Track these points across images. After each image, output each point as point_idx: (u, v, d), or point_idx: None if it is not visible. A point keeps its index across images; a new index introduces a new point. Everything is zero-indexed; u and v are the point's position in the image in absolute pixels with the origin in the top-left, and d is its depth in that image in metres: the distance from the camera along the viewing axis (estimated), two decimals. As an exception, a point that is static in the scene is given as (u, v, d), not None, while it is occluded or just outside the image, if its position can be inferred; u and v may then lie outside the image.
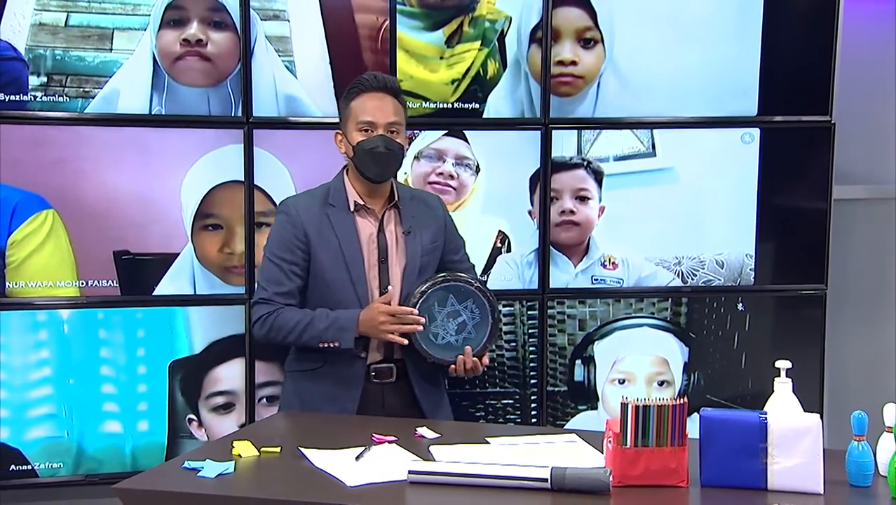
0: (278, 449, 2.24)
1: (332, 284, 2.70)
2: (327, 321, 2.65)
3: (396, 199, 2.77)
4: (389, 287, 2.70)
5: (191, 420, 3.23)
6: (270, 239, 2.77)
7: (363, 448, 2.22)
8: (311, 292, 2.74)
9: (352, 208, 2.74)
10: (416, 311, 2.64)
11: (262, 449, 2.24)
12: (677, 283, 3.42)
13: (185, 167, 3.19)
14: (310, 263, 2.72)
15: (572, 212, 3.35)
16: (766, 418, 1.98)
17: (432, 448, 2.24)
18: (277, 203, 2.89)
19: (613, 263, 3.40)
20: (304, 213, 2.73)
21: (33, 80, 3.08)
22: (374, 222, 2.75)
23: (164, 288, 3.20)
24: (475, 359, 2.69)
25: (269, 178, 3.22)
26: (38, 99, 3.09)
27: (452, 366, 2.70)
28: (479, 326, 2.72)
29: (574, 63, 3.34)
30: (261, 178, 3.22)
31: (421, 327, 2.64)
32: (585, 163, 3.35)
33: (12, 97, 3.07)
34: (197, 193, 3.20)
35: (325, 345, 2.65)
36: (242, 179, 3.21)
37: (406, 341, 2.64)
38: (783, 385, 2.14)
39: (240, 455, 2.20)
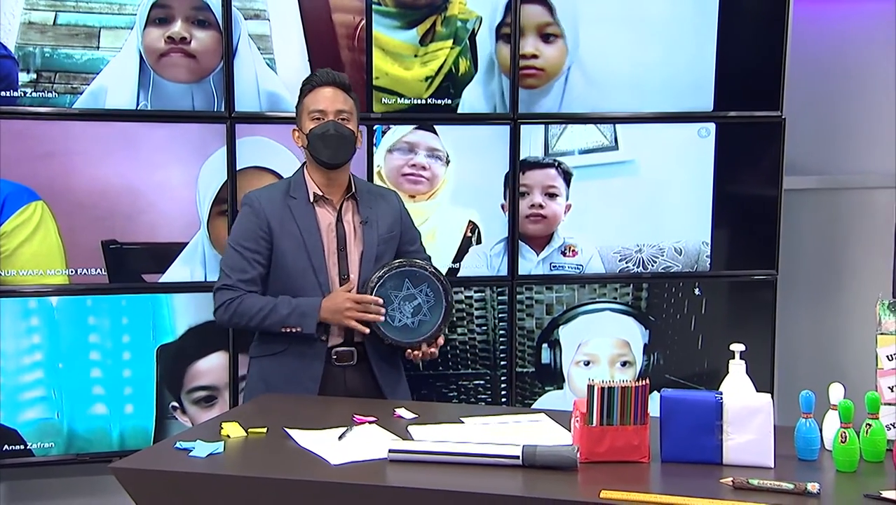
0: (265, 430, 2.27)
1: (293, 271, 2.74)
2: (290, 307, 2.68)
3: (354, 190, 2.81)
4: (351, 276, 2.74)
5: (174, 407, 3.25)
6: (235, 229, 2.81)
7: (345, 428, 2.25)
8: (274, 280, 2.77)
9: (311, 199, 2.77)
10: (380, 300, 2.68)
11: (250, 430, 2.26)
12: (638, 269, 3.48)
13: (201, 157, 3.21)
14: (272, 252, 2.75)
15: (541, 206, 3.40)
16: (721, 398, 2.03)
17: (410, 428, 2.28)
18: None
19: (573, 251, 3.45)
20: (267, 205, 2.76)
21: (23, 77, 3.07)
22: (333, 212, 2.79)
23: (175, 272, 3.21)
24: (431, 350, 2.76)
25: (288, 168, 3.22)
26: (27, 95, 3.08)
27: (409, 351, 2.76)
28: (433, 309, 2.77)
29: (535, 56, 3.37)
30: (280, 166, 3.23)
31: (382, 318, 2.68)
32: (556, 163, 3.40)
33: (3, 93, 3.06)
34: (216, 180, 3.22)
35: (288, 330, 2.68)
36: (262, 166, 3.23)
37: (367, 330, 2.68)
38: (737, 366, 2.18)
39: (228, 436, 2.22)
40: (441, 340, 2.82)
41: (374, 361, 2.78)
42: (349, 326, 2.68)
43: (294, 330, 2.68)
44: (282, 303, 2.69)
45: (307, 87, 2.81)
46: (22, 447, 3.14)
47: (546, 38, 3.37)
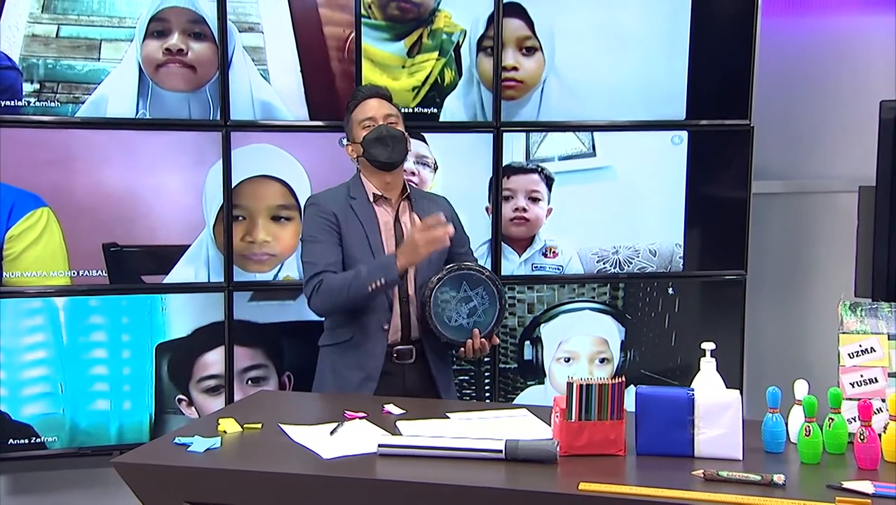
0: (260, 425, 2.27)
1: (359, 263, 2.71)
2: (369, 267, 2.65)
3: (408, 191, 2.83)
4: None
5: (180, 400, 3.25)
6: (307, 226, 2.77)
7: (337, 424, 2.26)
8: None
9: (371, 199, 2.78)
10: (441, 218, 2.63)
11: (245, 425, 2.26)
12: (615, 270, 3.50)
13: (205, 162, 3.22)
14: (342, 243, 2.74)
15: (525, 210, 3.42)
16: (693, 394, 2.04)
17: (399, 423, 2.28)
18: (298, 199, 3.09)
19: (554, 253, 3.47)
20: (332, 202, 2.77)
21: (27, 87, 3.07)
22: (391, 212, 2.79)
23: (179, 272, 3.22)
24: (483, 340, 2.75)
25: (295, 177, 3.26)
26: (31, 104, 3.08)
27: (462, 349, 2.76)
28: (487, 311, 2.77)
29: (515, 69, 3.39)
30: (284, 174, 3.25)
31: (451, 230, 2.62)
32: (539, 169, 3.41)
33: (8, 103, 3.06)
34: (221, 186, 3.22)
35: (374, 286, 2.61)
36: (268, 174, 3.24)
37: (448, 243, 2.62)
38: (708, 364, 2.20)
39: (225, 431, 2.22)
40: (496, 340, 2.82)
41: (432, 360, 2.79)
42: (428, 253, 2.61)
43: (379, 283, 2.61)
44: (360, 268, 2.66)
45: (353, 102, 2.83)
46: (36, 440, 3.14)
47: (525, 51, 3.39)
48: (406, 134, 2.81)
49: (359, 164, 2.83)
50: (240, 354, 3.29)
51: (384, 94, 2.85)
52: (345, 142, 2.89)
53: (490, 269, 2.86)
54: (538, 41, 3.39)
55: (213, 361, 3.28)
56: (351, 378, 2.73)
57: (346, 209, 2.76)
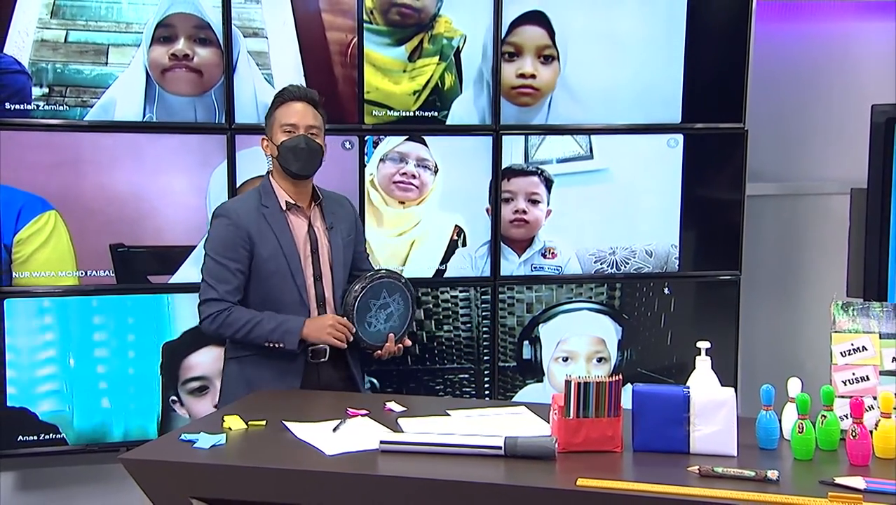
0: (264, 422, 2.28)
1: (273, 275, 2.72)
2: (274, 323, 2.67)
3: (321, 197, 2.83)
4: (327, 295, 2.78)
5: (174, 400, 3.25)
6: (214, 241, 2.74)
7: (339, 421, 2.26)
8: (253, 284, 2.74)
9: (284, 207, 2.77)
10: (353, 327, 2.73)
11: (250, 422, 2.27)
12: (612, 270, 3.50)
13: (209, 165, 3.21)
14: (252, 260, 2.73)
15: (524, 211, 3.42)
16: (688, 392, 2.05)
17: (400, 420, 2.29)
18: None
19: (552, 253, 3.47)
20: (245, 216, 2.73)
21: (36, 91, 3.06)
22: (304, 219, 2.79)
23: (184, 272, 3.20)
24: (398, 345, 2.83)
25: None
26: (40, 108, 3.07)
27: (379, 352, 2.81)
28: (401, 316, 2.85)
29: (533, 76, 3.39)
30: None
31: (345, 345, 2.72)
32: (539, 171, 3.42)
33: (17, 106, 3.05)
34: (226, 189, 3.22)
35: (271, 344, 2.68)
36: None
37: (345, 346, 2.72)
38: (703, 362, 2.21)
39: (230, 428, 2.23)
40: (408, 342, 2.88)
41: (351, 355, 2.81)
42: (329, 343, 2.70)
43: (276, 345, 2.68)
44: (267, 318, 2.68)
45: (279, 100, 2.80)
46: (56, 436, 3.14)
47: (544, 59, 3.39)
48: (324, 147, 2.80)
49: (271, 164, 2.83)
50: (216, 354, 3.23)
51: (313, 99, 2.79)
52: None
53: (403, 274, 2.91)
54: (556, 50, 3.38)
55: (197, 362, 3.25)
56: (268, 388, 2.70)
57: (259, 221, 2.73)
